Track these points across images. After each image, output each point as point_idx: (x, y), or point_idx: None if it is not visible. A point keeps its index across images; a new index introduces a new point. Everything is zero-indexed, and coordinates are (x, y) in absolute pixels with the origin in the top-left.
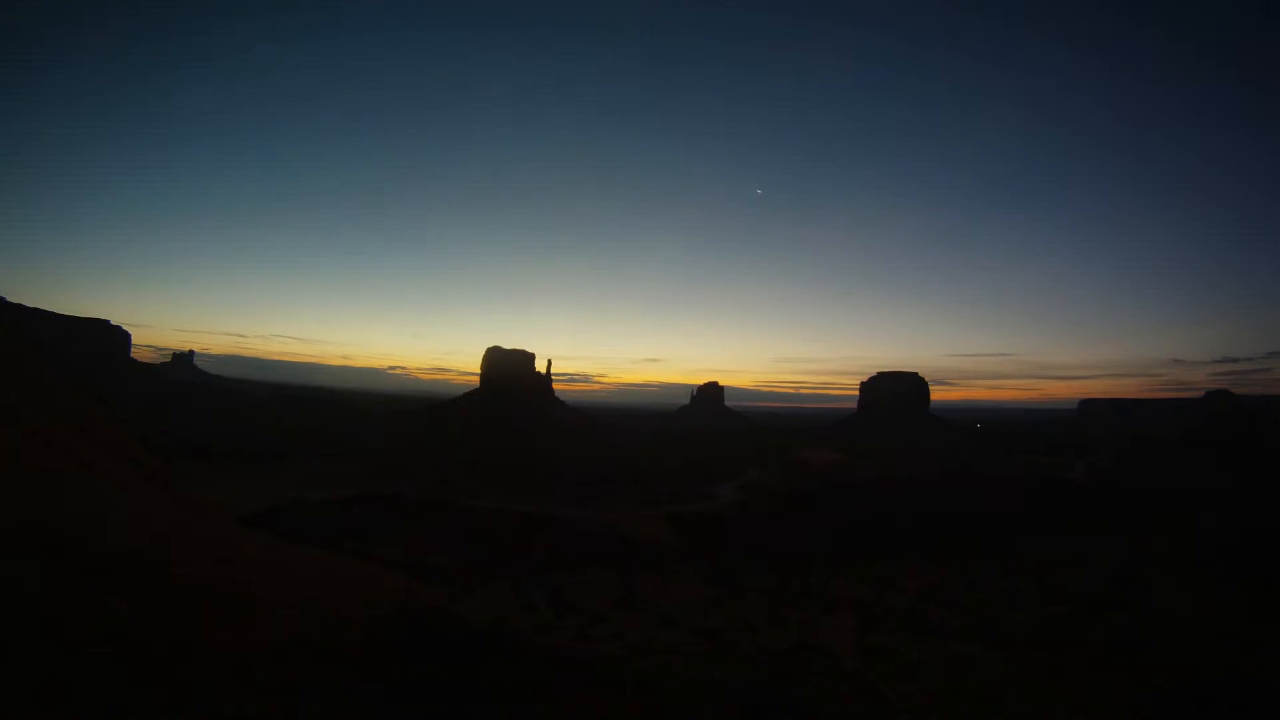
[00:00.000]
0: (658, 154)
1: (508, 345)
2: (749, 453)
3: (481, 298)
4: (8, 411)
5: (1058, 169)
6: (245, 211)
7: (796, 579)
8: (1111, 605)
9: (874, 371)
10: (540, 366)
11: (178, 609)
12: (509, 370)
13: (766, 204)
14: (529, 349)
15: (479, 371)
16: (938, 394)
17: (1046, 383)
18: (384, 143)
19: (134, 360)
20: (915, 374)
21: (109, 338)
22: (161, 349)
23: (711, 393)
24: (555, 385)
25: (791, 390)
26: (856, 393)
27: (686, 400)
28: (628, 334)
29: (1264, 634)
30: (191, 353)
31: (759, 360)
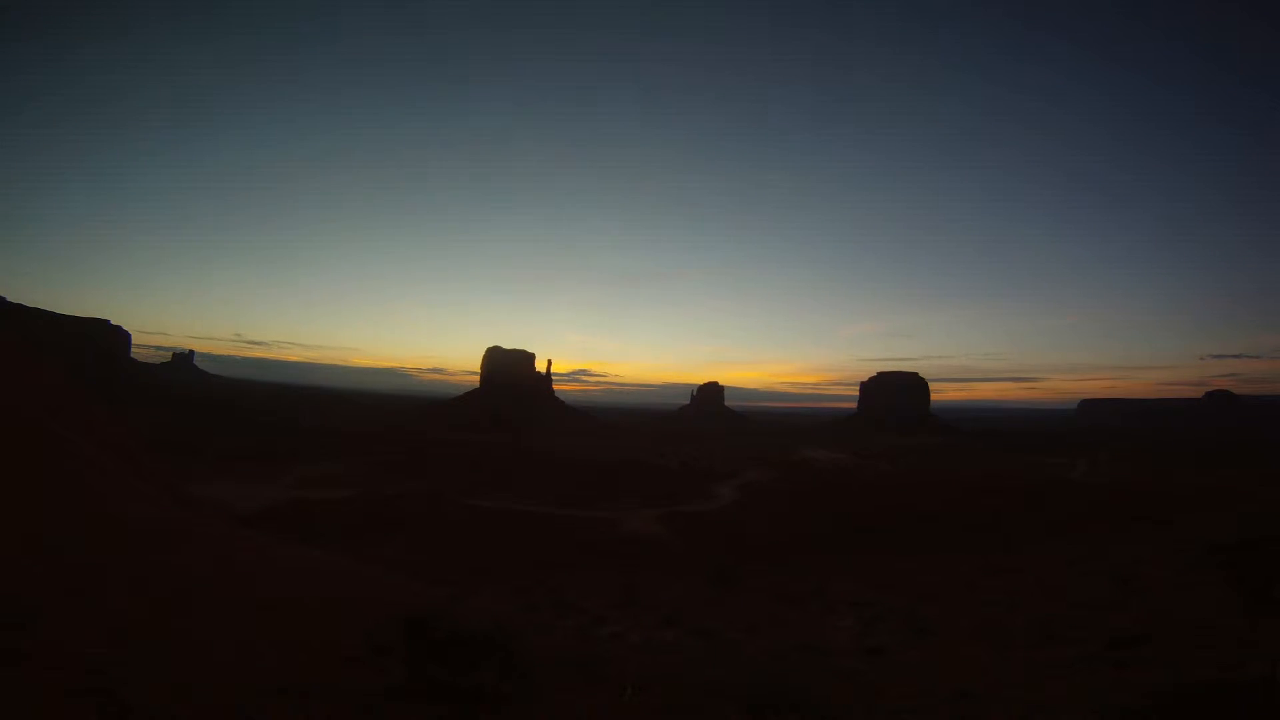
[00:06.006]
0: (657, 152)
1: (508, 345)
2: (749, 453)
3: (482, 298)
4: (10, 411)
5: (1059, 167)
6: (246, 211)
7: (796, 579)
8: (1110, 605)
9: (874, 371)
10: (540, 366)
11: (178, 608)
12: (509, 370)
13: (768, 203)
14: (529, 349)
15: (479, 371)
16: (938, 394)
17: (1046, 383)
18: (383, 142)
19: (134, 360)
20: (915, 374)
21: (109, 338)
22: (161, 349)
23: (711, 393)
24: (555, 385)
25: (792, 390)
26: (856, 393)
27: (686, 400)
28: (627, 333)
29: (1263, 634)
30: (191, 353)
31: (760, 359)
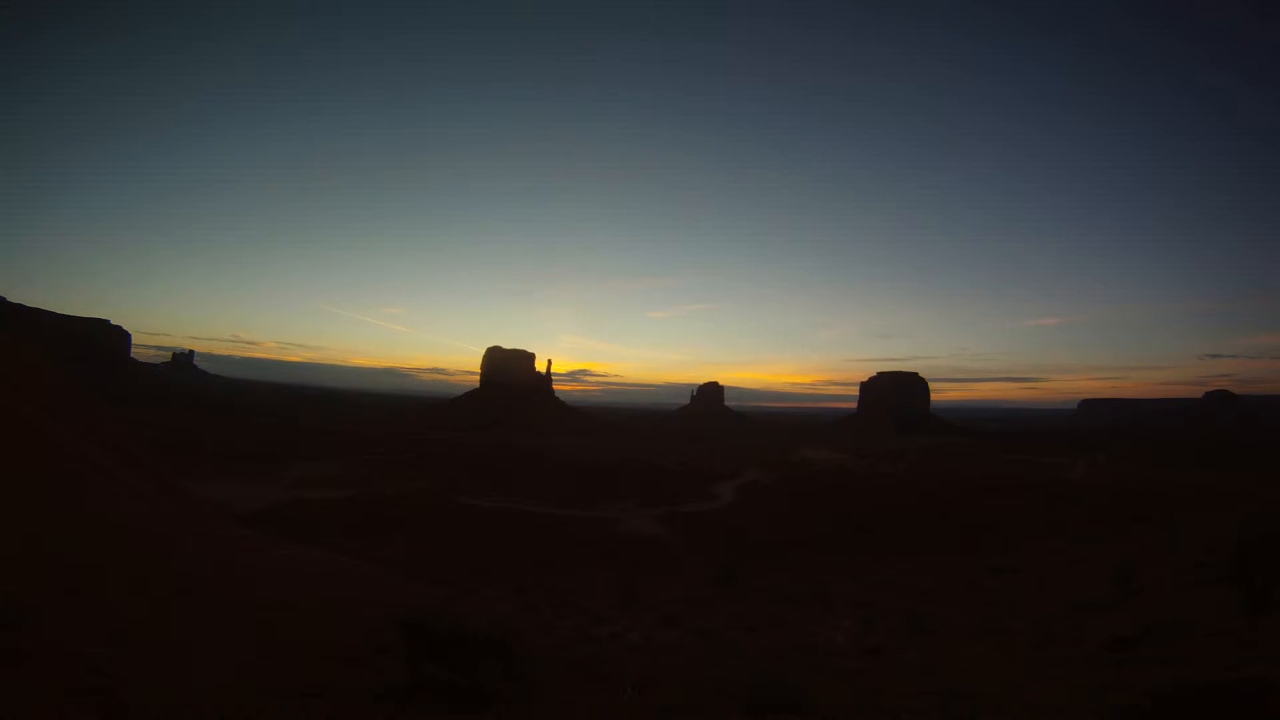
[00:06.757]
0: (657, 152)
1: (508, 345)
2: (749, 453)
3: (482, 298)
4: (10, 411)
5: (1060, 166)
6: (246, 212)
7: (796, 579)
8: (1110, 605)
9: (874, 371)
10: (540, 366)
11: (178, 608)
12: (509, 370)
13: (765, 202)
14: (529, 349)
15: (479, 371)
16: (938, 394)
17: (1046, 383)
18: (383, 141)
19: (134, 360)
20: (915, 374)
21: (109, 338)
22: (161, 349)
23: (711, 393)
24: (555, 385)
25: (792, 390)
26: (856, 393)
27: (686, 400)
28: (627, 333)
29: (1263, 634)
30: (191, 353)
31: (760, 359)
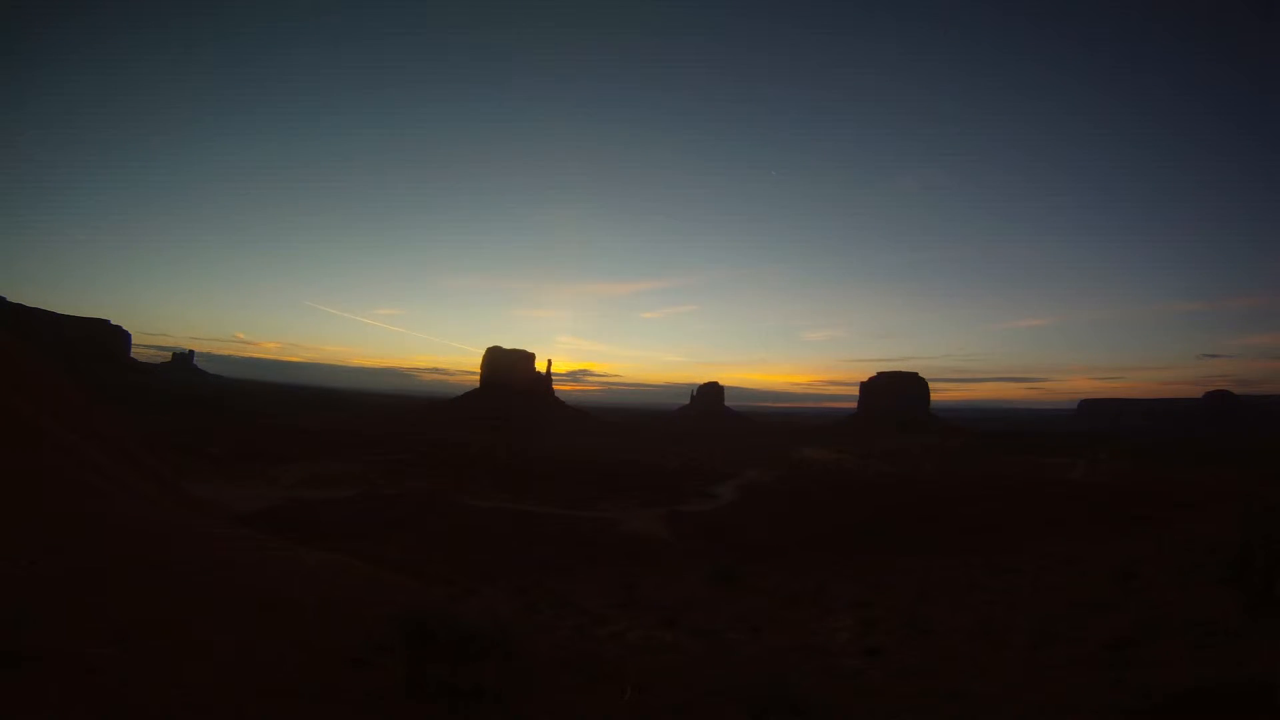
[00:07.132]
0: (656, 152)
1: (508, 345)
2: (749, 453)
3: (482, 298)
4: (10, 411)
5: (1059, 166)
6: (245, 212)
7: (796, 579)
8: (1110, 605)
9: (874, 371)
10: (540, 366)
11: (178, 608)
12: (509, 370)
13: (765, 201)
14: (529, 349)
15: (479, 371)
16: (938, 394)
17: (1046, 383)
18: (383, 142)
19: (134, 360)
20: (915, 374)
21: (109, 338)
22: (161, 349)
23: (711, 393)
24: (555, 385)
25: (792, 390)
26: (856, 393)
27: (687, 400)
28: (627, 333)
29: (1263, 634)
30: (191, 353)
31: (760, 359)
